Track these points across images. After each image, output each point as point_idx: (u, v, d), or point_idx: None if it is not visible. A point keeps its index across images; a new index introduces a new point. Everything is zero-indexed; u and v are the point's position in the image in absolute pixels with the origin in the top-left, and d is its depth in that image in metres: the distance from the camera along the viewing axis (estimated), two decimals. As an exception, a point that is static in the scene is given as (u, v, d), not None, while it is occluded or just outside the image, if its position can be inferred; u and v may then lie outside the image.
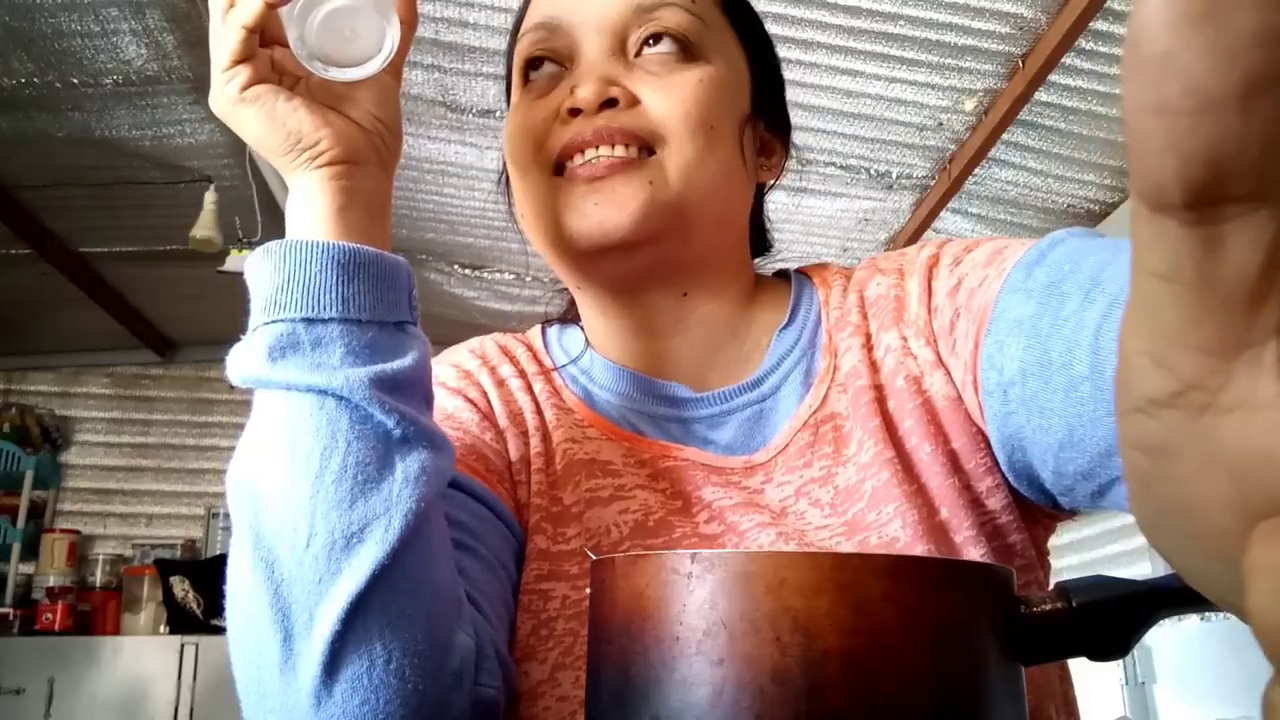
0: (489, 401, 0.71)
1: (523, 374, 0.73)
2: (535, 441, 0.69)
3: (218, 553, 3.71)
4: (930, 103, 2.45)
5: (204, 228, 2.74)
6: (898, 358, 0.65)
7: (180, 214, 2.83)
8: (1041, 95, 2.34)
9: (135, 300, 3.78)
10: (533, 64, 0.70)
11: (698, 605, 0.40)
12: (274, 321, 0.53)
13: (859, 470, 0.63)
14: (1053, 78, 2.26)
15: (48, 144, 2.69)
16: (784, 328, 0.70)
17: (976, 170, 2.64)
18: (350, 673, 0.49)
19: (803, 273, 0.76)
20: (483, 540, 0.62)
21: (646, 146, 0.65)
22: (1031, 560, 0.65)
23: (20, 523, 3.70)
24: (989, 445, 0.61)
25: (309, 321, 0.52)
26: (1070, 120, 2.46)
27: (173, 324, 4.03)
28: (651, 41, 0.67)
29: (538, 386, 0.73)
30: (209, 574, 3.49)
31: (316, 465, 0.50)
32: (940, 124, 2.53)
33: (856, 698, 0.39)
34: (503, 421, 0.70)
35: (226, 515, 3.92)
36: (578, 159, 0.65)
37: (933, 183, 2.77)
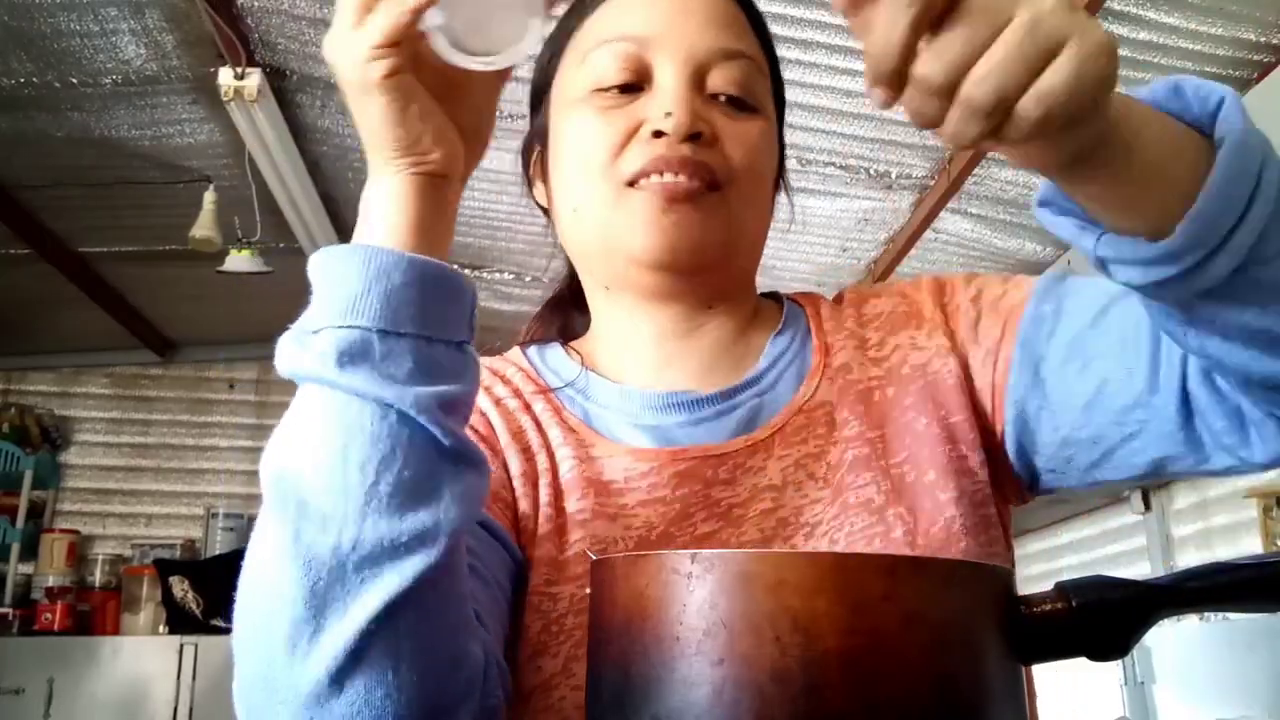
0: (488, 423, 0.74)
1: (519, 394, 0.77)
2: (541, 459, 0.73)
3: (217, 553, 3.70)
4: (930, 103, 2.45)
5: (203, 228, 2.74)
6: (904, 352, 0.75)
7: (180, 214, 2.83)
8: (1041, 95, 2.34)
9: (135, 300, 3.78)
10: (608, 72, 0.73)
11: (698, 605, 0.40)
12: (348, 327, 0.52)
13: (844, 445, 0.72)
14: (1052, 78, 2.26)
15: (47, 144, 2.69)
16: (778, 333, 0.79)
17: (976, 170, 2.64)
18: (373, 668, 0.50)
19: (787, 297, 0.85)
20: (482, 560, 0.64)
21: (714, 183, 0.71)
22: (1002, 534, 0.72)
23: (19, 523, 3.70)
24: (983, 425, 0.72)
25: (384, 334, 0.52)
26: (1070, 120, 2.45)
27: (172, 324, 4.03)
28: (726, 93, 0.73)
29: (537, 406, 0.76)
30: (208, 574, 3.49)
31: (373, 474, 0.51)
32: (940, 124, 2.54)
33: (856, 698, 0.39)
34: (503, 439, 0.73)
35: (226, 515, 3.94)
36: (654, 177, 0.70)
37: (932, 183, 2.78)
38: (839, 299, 0.82)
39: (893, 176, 2.77)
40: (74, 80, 2.44)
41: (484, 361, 0.77)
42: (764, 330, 0.79)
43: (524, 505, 0.71)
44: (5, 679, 3.17)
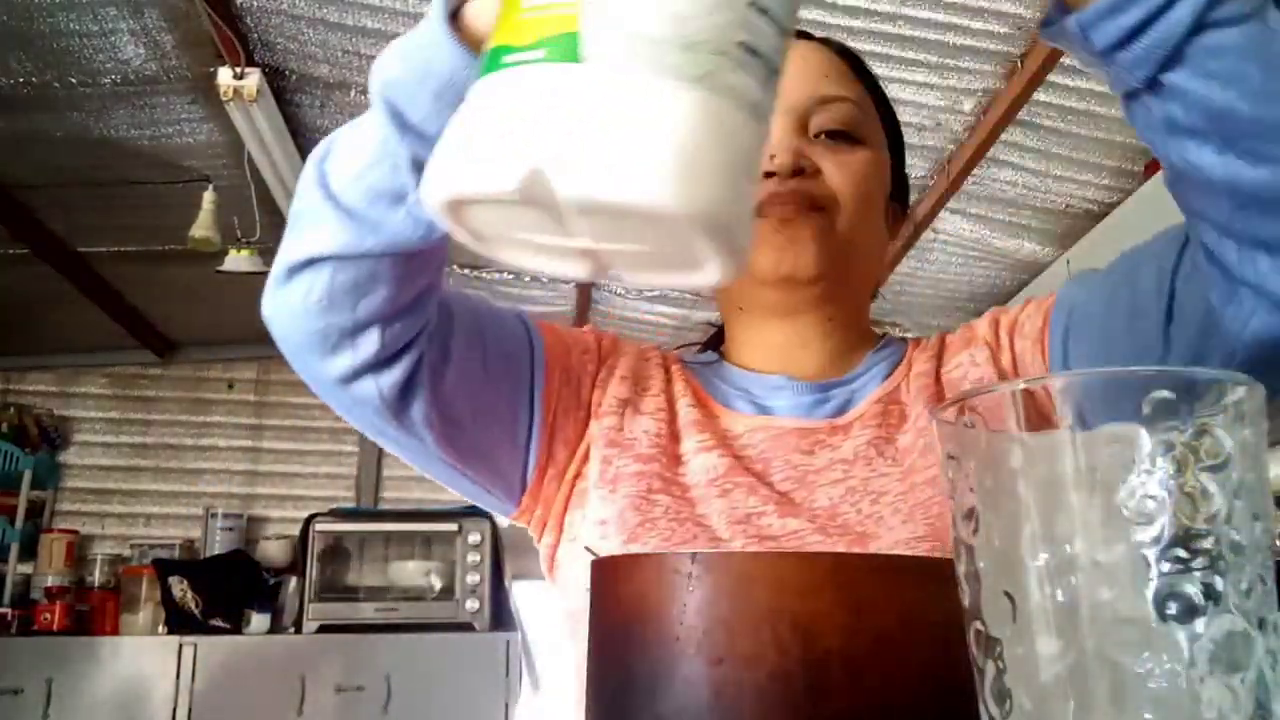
0: (616, 354, 0.90)
1: (664, 358, 0.93)
2: (660, 400, 0.87)
3: (216, 553, 3.70)
4: (929, 103, 2.45)
5: (203, 228, 2.73)
6: (965, 368, 0.86)
7: (179, 214, 2.83)
8: (1040, 95, 2.34)
9: (134, 300, 3.78)
10: None
11: (698, 605, 0.40)
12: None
13: (917, 434, 0.82)
14: (1051, 78, 2.26)
15: (46, 144, 2.69)
16: (877, 350, 0.91)
17: (975, 170, 2.64)
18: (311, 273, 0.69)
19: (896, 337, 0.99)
20: (498, 324, 0.84)
21: (817, 205, 0.83)
22: None
23: (18, 523, 3.69)
24: None
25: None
26: (1069, 120, 2.46)
27: (171, 324, 4.02)
28: (828, 131, 0.85)
29: (673, 368, 0.91)
30: (207, 574, 3.48)
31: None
32: (939, 124, 2.53)
33: (856, 698, 0.39)
34: (620, 372, 0.89)
35: (225, 515, 3.93)
36: (766, 205, 0.82)
37: (931, 183, 2.77)
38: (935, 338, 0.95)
39: (892, 176, 2.77)
40: (73, 80, 2.44)
41: (642, 344, 0.96)
42: (866, 345, 0.92)
43: (612, 420, 0.85)
44: (4, 679, 3.16)
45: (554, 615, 0.84)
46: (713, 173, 0.41)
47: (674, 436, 0.85)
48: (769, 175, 0.82)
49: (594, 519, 0.81)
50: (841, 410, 0.87)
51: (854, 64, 0.92)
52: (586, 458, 0.85)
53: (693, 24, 0.41)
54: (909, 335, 0.97)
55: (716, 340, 0.99)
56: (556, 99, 0.41)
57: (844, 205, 0.83)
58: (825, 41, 0.92)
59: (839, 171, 0.84)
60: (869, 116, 0.89)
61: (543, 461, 0.85)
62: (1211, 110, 0.57)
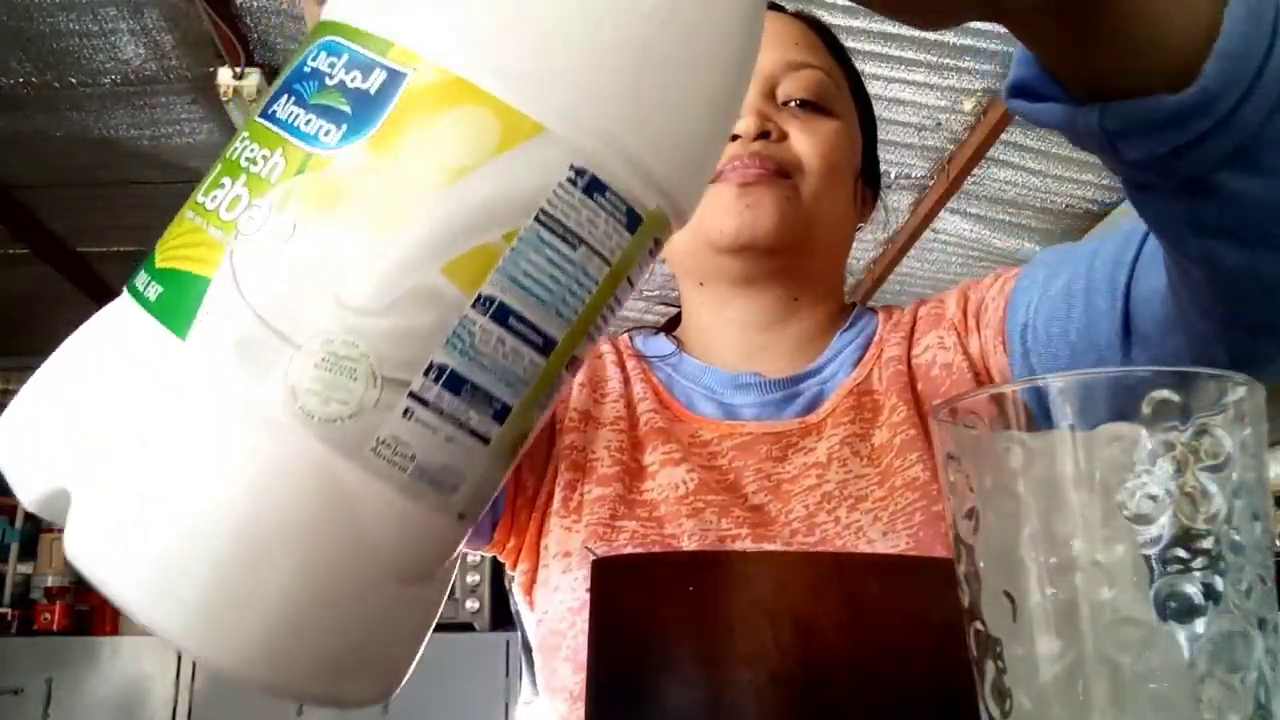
0: None
1: (618, 352, 0.87)
2: (619, 407, 0.82)
3: (216, 553, 3.70)
4: (929, 102, 2.45)
5: (202, 228, 2.73)
6: (934, 351, 0.81)
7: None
8: (1040, 95, 2.34)
9: (134, 300, 3.78)
10: None
11: (698, 605, 0.40)
12: None
13: (890, 429, 0.77)
14: (1051, 78, 2.26)
15: (46, 144, 2.69)
16: (844, 330, 0.86)
17: (975, 170, 2.64)
18: None
19: (868, 307, 0.93)
20: None
21: (785, 173, 0.79)
22: None
23: (18, 523, 3.69)
24: None
25: None
26: (1069, 120, 2.45)
27: (171, 324, 4.02)
28: (798, 100, 0.81)
29: (630, 364, 0.86)
30: (207, 574, 3.48)
31: None
32: (939, 124, 2.53)
33: (856, 698, 0.39)
34: (578, 378, 0.83)
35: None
36: (729, 172, 0.78)
37: (931, 182, 2.77)
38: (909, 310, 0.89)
39: (891, 176, 2.77)
40: (73, 80, 2.44)
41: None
42: (834, 326, 0.86)
43: (572, 438, 0.79)
44: (4, 679, 3.16)
45: (538, 639, 0.77)
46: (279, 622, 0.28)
47: (636, 445, 0.80)
48: (734, 138, 0.78)
49: (557, 551, 0.76)
50: (812, 406, 0.82)
51: (826, 37, 0.88)
52: (556, 477, 0.79)
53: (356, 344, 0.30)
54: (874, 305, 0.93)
55: (673, 323, 0.93)
56: (124, 396, 0.31)
57: (809, 172, 0.79)
58: (798, 15, 0.89)
59: (806, 137, 0.80)
60: (840, 89, 0.85)
61: (511, 493, 0.79)
62: (1255, 206, 0.45)
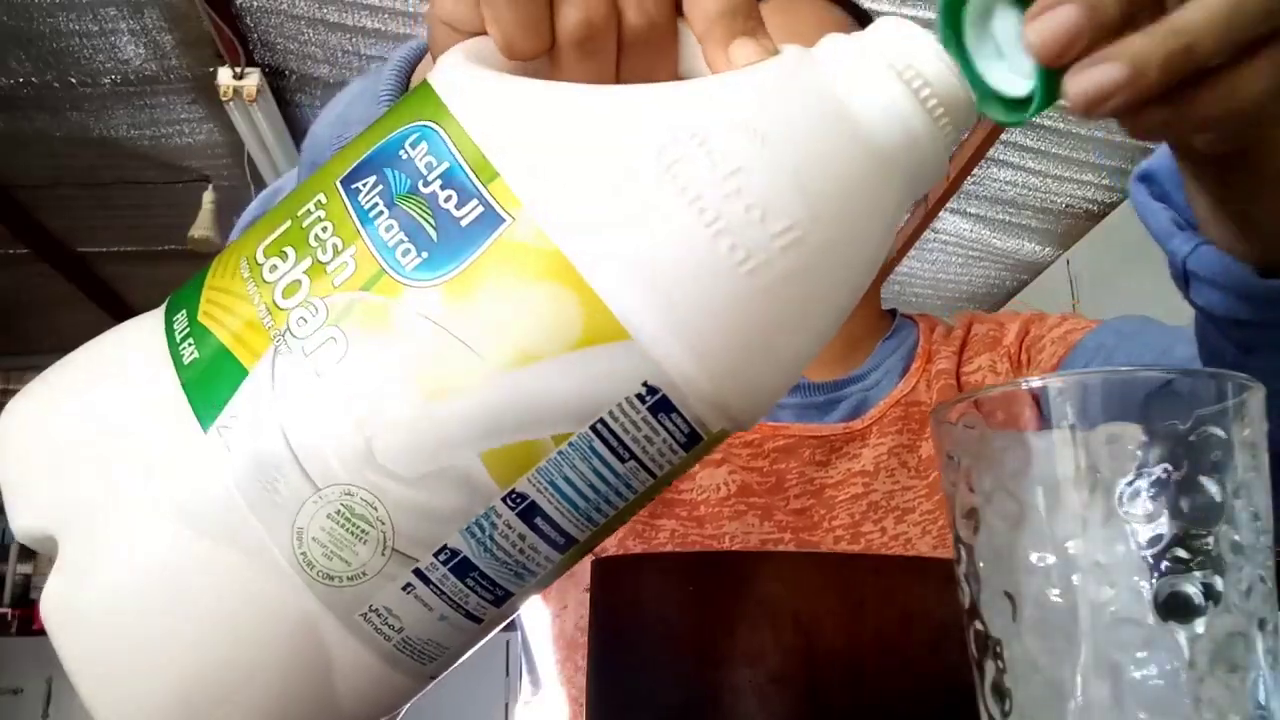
0: None
1: None
2: None
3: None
4: (929, 103, 2.45)
5: (202, 227, 2.73)
6: (985, 373, 0.81)
7: (179, 214, 2.83)
8: (1040, 95, 2.34)
9: (133, 300, 3.77)
10: None
11: (698, 605, 0.40)
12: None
13: None
14: (1051, 78, 2.26)
15: (46, 144, 2.69)
16: (887, 338, 0.86)
17: (975, 170, 2.64)
18: None
19: (904, 315, 0.93)
20: None
21: None
22: None
23: (18, 523, 3.70)
24: None
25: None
26: (1069, 120, 2.45)
27: (171, 324, 4.02)
28: None
29: None
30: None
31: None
32: (939, 124, 2.54)
33: (856, 698, 0.38)
34: None
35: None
36: None
37: (931, 183, 2.78)
38: (949, 321, 0.90)
39: (892, 176, 2.76)
40: (73, 80, 2.44)
41: None
42: (879, 337, 0.87)
43: None
44: (4, 679, 3.16)
45: (556, 631, 0.78)
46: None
47: None
48: None
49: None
50: (856, 412, 0.81)
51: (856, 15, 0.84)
52: None
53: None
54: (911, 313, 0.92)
55: None
56: (129, 467, 0.30)
57: None
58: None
59: None
60: None
61: None
62: None
